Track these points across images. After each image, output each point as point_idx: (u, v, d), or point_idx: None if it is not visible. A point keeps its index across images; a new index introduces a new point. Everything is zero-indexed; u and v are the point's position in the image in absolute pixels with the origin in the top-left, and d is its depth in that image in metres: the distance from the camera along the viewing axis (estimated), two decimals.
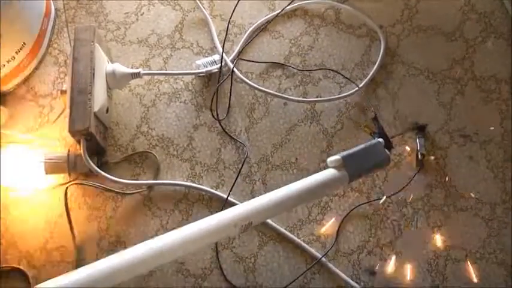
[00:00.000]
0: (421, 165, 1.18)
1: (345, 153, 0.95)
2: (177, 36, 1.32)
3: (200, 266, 1.12)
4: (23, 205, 1.15)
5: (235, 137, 1.21)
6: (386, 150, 0.99)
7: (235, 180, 1.17)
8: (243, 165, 1.18)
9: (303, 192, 0.90)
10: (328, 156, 1.15)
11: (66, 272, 1.07)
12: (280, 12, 1.33)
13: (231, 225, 0.83)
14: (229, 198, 1.15)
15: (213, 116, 1.22)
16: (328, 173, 0.93)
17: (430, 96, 1.26)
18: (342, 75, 1.27)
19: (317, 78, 1.28)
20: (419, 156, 1.18)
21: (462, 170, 1.19)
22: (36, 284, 1.07)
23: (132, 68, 1.26)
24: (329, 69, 1.29)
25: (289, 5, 1.33)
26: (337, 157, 0.94)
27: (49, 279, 1.05)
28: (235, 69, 1.26)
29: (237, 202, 1.15)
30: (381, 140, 1.00)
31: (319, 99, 1.25)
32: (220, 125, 1.22)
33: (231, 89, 1.25)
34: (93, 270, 0.76)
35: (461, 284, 1.11)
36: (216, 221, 0.83)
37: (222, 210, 1.10)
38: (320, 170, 1.14)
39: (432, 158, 1.19)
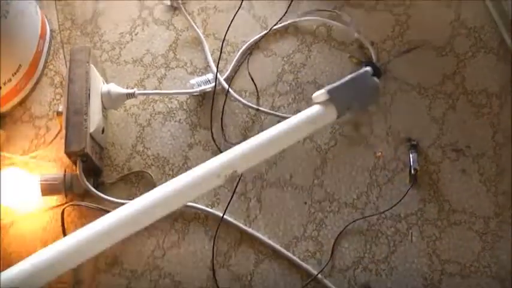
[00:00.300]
0: (415, 180, 1.19)
1: (330, 86, 0.87)
2: (171, 56, 1.34)
3: (197, 285, 1.13)
4: (20, 226, 1.16)
5: None
6: (375, 78, 0.92)
7: (231, 199, 1.18)
8: (238, 183, 1.19)
9: (288, 132, 0.84)
10: (322, 173, 1.17)
11: None
12: (270, 28, 1.34)
13: (214, 176, 0.77)
14: (225, 216, 1.16)
15: (212, 136, 1.23)
16: (314, 109, 0.87)
17: (422, 111, 1.27)
18: None
19: (310, 95, 1.28)
20: (413, 171, 1.18)
21: (455, 184, 1.20)
22: None
23: (127, 88, 1.28)
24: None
25: (279, 21, 1.35)
26: (322, 91, 0.86)
27: None
28: (227, 86, 1.27)
29: (232, 220, 1.16)
30: (368, 68, 0.92)
31: None
32: (215, 143, 1.23)
33: (223, 109, 1.26)
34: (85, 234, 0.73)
35: None
36: (198, 173, 0.77)
37: (217, 229, 1.13)
38: (314, 187, 1.16)
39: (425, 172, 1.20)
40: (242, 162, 0.80)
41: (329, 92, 0.85)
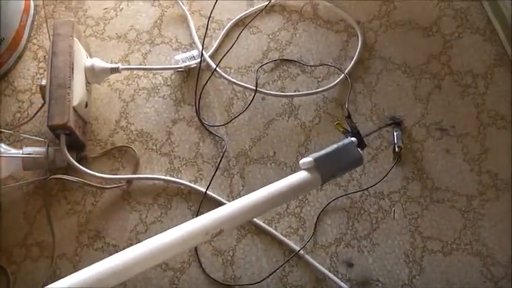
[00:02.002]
0: (398, 158, 1.19)
1: (316, 154, 0.93)
2: (156, 32, 1.33)
3: (179, 260, 1.12)
4: (2, 201, 1.15)
5: (213, 132, 1.22)
6: (359, 150, 0.98)
7: (214, 174, 1.17)
8: (221, 159, 1.19)
9: (274, 197, 0.89)
10: (306, 150, 1.17)
11: (45, 267, 1.09)
12: (261, 7, 1.34)
13: (202, 233, 0.82)
14: (208, 192, 1.16)
15: (196, 111, 1.23)
16: (301, 175, 0.92)
17: (407, 91, 1.27)
18: (338, 68, 1.28)
19: (295, 73, 1.29)
20: (396, 149, 1.18)
21: (439, 163, 1.20)
22: (16, 279, 1.08)
23: (111, 63, 1.27)
24: (330, 65, 1.30)
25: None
26: (309, 159, 0.92)
27: (29, 274, 1.07)
28: (212, 63, 1.27)
29: (215, 196, 1.16)
30: (353, 139, 0.99)
31: (297, 93, 1.26)
32: (200, 119, 1.23)
33: (204, 85, 1.27)
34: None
35: (438, 275, 1.12)
36: (188, 229, 0.81)
37: (200, 204, 1.13)
38: (298, 163, 1.16)
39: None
40: (229, 222, 0.85)
41: (315, 160, 0.92)
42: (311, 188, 0.94)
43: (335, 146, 0.96)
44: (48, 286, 0.71)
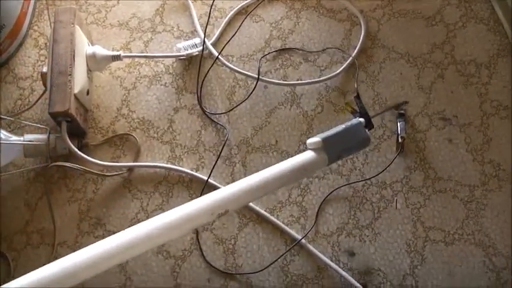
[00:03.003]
0: (402, 148, 1.18)
1: (324, 134, 0.93)
2: (158, 20, 1.32)
3: (180, 248, 1.12)
4: (3, 188, 1.15)
5: (215, 120, 1.22)
6: (366, 131, 0.98)
7: (216, 163, 1.17)
8: (223, 147, 1.19)
9: (281, 176, 0.89)
10: (308, 139, 1.16)
11: (46, 254, 1.08)
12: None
13: (208, 213, 0.82)
14: (209, 180, 1.15)
15: (198, 99, 1.23)
16: (307, 155, 0.92)
17: (410, 80, 1.26)
18: (343, 50, 1.27)
19: (297, 61, 1.28)
20: (400, 139, 1.18)
21: (441, 153, 1.19)
22: (17, 266, 1.08)
23: (112, 50, 1.26)
24: (333, 48, 1.30)
25: None
26: (316, 139, 0.92)
27: (30, 261, 1.06)
28: (214, 51, 1.26)
29: (217, 184, 1.16)
30: (361, 119, 0.99)
31: (299, 82, 1.25)
32: (201, 107, 1.22)
33: (206, 73, 1.26)
34: (67, 263, 0.74)
35: (440, 265, 1.11)
36: (192, 208, 0.82)
37: (202, 192, 1.12)
38: (300, 152, 1.15)
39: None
40: (235, 202, 0.85)
41: (323, 140, 0.91)
42: (317, 168, 0.93)
43: (343, 126, 0.96)
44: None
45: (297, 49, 1.29)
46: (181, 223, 0.80)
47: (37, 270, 0.72)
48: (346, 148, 0.96)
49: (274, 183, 0.88)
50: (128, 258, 0.78)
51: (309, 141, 0.93)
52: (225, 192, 0.85)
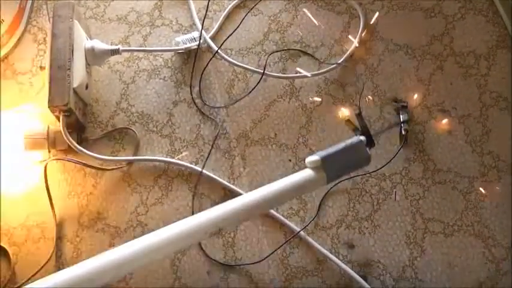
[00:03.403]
0: (405, 141, 1.18)
1: (323, 153, 0.90)
2: (157, 14, 1.32)
3: None
4: (3, 182, 1.15)
5: (213, 114, 1.22)
6: (367, 150, 0.94)
7: (208, 155, 1.18)
8: (215, 140, 1.20)
9: (278, 195, 0.86)
10: (307, 131, 1.16)
11: (46, 248, 1.09)
12: None
13: (201, 232, 0.81)
14: (208, 173, 1.16)
15: (191, 95, 1.23)
16: (306, 174, 0.89)
17: (409, 72, 1.26)
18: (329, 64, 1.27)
19: (296, 54, 1.28)
20: (403, 131, 1.17)
21: (440, 144, 1.19)
22: (17, 260, 1.08)
23: (111, 45, 1.26)
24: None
25: None
26: (315, 158, 0.89)
27: (30, 255, 1.06)
28: (213, 44, 1.26)
29: (216, 177, 1.16)
30: (362, 138, 0.95)
31: (298, 75, 1.25)
32: (195, 104, 1.23)
33: (205, 67, 1.26)
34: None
35: (439, 256, 1.11)
36: (186, 227, 0.80)
37: (196, 185, 1.12)
38: (299, 145, 1.16)
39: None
40: (231, 222, 0.84)
41: (322, 159, 0.88)
42: (316, 187, 0.90)
43: (343, 144, 0.92)
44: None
45: (300, 50, 1.29)
46: (173, 241, 0.79)
47: (56, 273, 0.73)
48: (346, 167, 0.93)
49: (271, 201, 0.87)
50: (124, 274, 0.77)
51: (308, 159, 0.90)
52: (219, 211, 0.83)
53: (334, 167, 0.89)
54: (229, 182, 1.16)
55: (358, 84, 1.24)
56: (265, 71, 1.24)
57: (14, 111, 1.20)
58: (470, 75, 1.25)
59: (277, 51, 1.29)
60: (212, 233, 0.82)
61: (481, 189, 1.16)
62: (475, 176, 1.17)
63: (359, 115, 1.01)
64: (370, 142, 0.97)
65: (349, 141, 0.93)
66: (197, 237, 0.83)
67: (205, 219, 0.81)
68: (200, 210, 1.07)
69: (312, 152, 1.16)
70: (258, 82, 1.22)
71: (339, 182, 1.16)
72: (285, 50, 1.29)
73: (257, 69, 1.24)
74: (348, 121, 1.03)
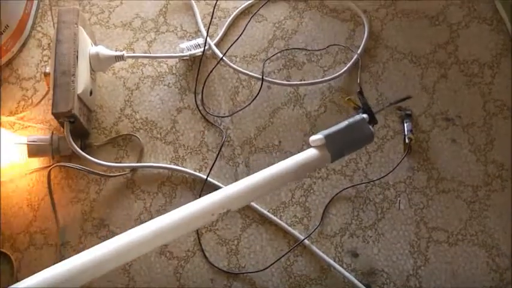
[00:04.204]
0: (409, 150, 1.17)
1: (327, 131, 0.91)
2: (161, 20, 1.32)
3: (183, 249, 1.12)
4: (6, 188, 1.15)
5: (217, 121, 1.22)
6: (370, 127, 0.96)
7: (214, 163, 1.17)
8: (220, 148, 1.19)
9: (283, 175, 0.88)
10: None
11: (49, 255, 1.08)
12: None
13: (208, 214, 0.82)
14: (212, 180, 1.16)
15: (195, 102, 1.23)
16: (310, 153, 0.91)
17: (414, 80, 1.26)
18: (347, 47, 1.27)
19: (301, 61, 1.28)
20: (407, 140, 1.17)
21: (445, 153, 1.19)
22: (20, 266, 1.08)
23: (116, 51, 1.26)
24: (336, 45, 1.30)
25: None
26: (319, 136, 0.91)
27: (33, 262, 1.06)
28: (217, 51, 1.26)
29: (218, 184, 1.16)
30: (365, 115, 0.97)
31: (302, 82, 1.25)
32: (199, 111, 1.23)
33: (209, 74, 1.26)
34: (67, 267, 0.75)
35: (443, 265, 1.11)
36: (193, 210, 0.82)
37: (201, 192, 1.12)
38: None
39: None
40: (237, 202, 0.85)
41: (326, 137, 0.90)
42: (320, 165, 0.92)
43: (346, 122, 0.94)
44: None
45: (301, 48, 1.29)
46: (180, 226, 0.80)
47: (44, 270, 0.73)
48: (350, 145, 0.95)
49: (276, 181, 0.88)
50: (129, 260, 0.78)
51: (312, 138, 0.92)
52: (226, 191, 0.84)
53: (337, 145, 0.91)
54: None
55: (362, 91, 1.24)
56: (266, 77, 1.24)
57: (17, 117, 1.20)
58: (475, 84, 1.25)
59: (277, 53, 1.29)
60: (220, 214, 0.82)
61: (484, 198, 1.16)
62: (479, 185, 1.17)
63: (360, 93, 1.01)
64: (372, 119, 0.98)
65: (351, 119, 0.94)
66: (204, 219, 0.83)
67: (212, 201, 0.83)
68: None
69: None
70: (260, 88, 1.22)
71: (342, 190, 1.16)
72: (284, 50, 1.30)
73: (261, 76, 1.23)
74: (349, 100, 1.03)
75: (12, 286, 0.71)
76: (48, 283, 0.71)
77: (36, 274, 0.73)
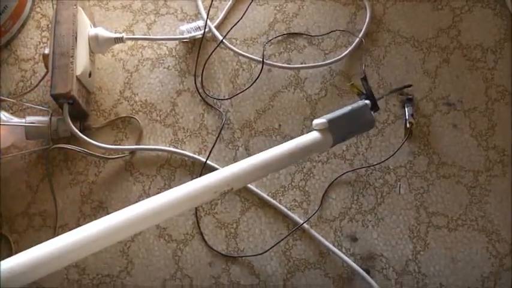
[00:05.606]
0: (410, 134, 1.17)
1: (330, 116, 0.94)
2: (161, 2, 1.31)
3: (182, 232, 1.12)
4: (5, 170, 1.14)
5: (217, 104, 1.21)
6: (372, 113, 0.98)
7: (213, 146, 1.17)
8: (220, 131, 1.19)
9: (286, 156, 0.89)
10: (312, 123, 1.15)
11: (48, 237, 1.08)
12: None
13: (211, 192, 0.82)
14: (212, 163, 1.15)
15: (195, 84, 1.22)
16: (312, 135, 0.93)
17: (415, 64, 1.25)
18: (351, 32, 1.26)
19: (302, 45, 1.27)
20: (408, 125, 1.17)
21: (446, 138, 1.18)
22: (19, 248, 1.07)
23: (115, 33, 1.25)
24: (339, 30, 1.29)
25: None
26: (322, 120, 0.93)
27: (31, 244, 1.06)
28: (217, 34, 1.25)
29: (218, 167, 1.15)
30: (367, 102, 0.99)
31: (303, 65, 1.24)
32: (199, 94, 1.22)
33: (209, 56, 1.25)
34: (68, 240, 0.76)
35: (443, 250, 1.11)
36: (196, 187, 0.82)
37: (200, 175, 1.12)
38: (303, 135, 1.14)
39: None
40: (239, 181, 0.86)
41: (329, 121, 0.92)
42: (322, 149, 0.94)
43: (349, 107, 0.96)
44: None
45: (301, 33, 1.28)
46: (184, 201, 0.81)
47: (38, 246, 0.74)
48: (351, 130, 0.97)
49: (278, 162, 0.89)
50: (130, 235, 0.78)
51: (315, 122, 0.94)
52: (228, 171, 0.85)
53: (340, 129, 0.93)
54: None
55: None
56: (266, 61, 1.23)
57: (17, 99, 1.19)
58: (477, 69, 1.24)
59: (278, 36, 1.28)
60: (222, 193, 0.83)
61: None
62: (479, 170, 1.16)
63: (364, 79, 1.02)
64: (374, 106, 1.01)
65: (355, 105, 0.97)
66: (207, 196, 0.83)
67: (215, 179, 0.83)
68: None
69: None
70: (260, 71, 1.21)
71: (342, 174, 1.15)
72: (285, 34, 1.28)
73: (262, 59, 1.22)
74: (353, 85, 1.04)
75: (4, 261, 0.71)
76: (42, 258, 0.71)
77: (30, 249, 0.74)
